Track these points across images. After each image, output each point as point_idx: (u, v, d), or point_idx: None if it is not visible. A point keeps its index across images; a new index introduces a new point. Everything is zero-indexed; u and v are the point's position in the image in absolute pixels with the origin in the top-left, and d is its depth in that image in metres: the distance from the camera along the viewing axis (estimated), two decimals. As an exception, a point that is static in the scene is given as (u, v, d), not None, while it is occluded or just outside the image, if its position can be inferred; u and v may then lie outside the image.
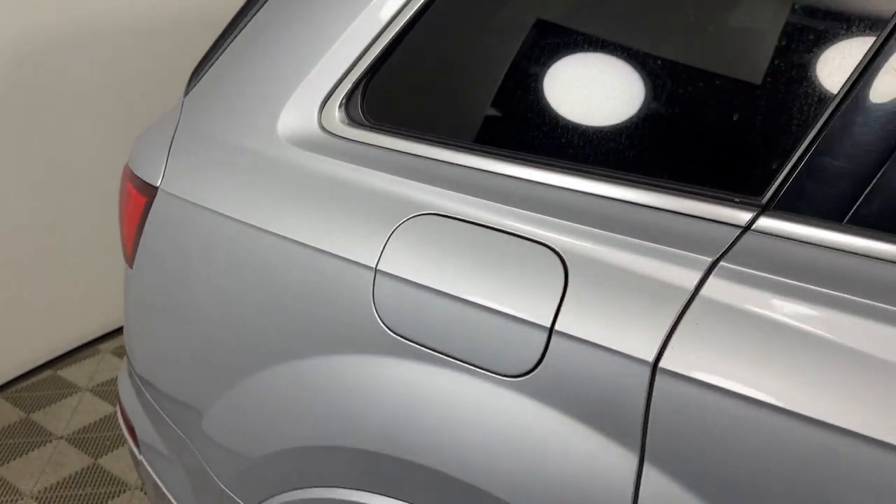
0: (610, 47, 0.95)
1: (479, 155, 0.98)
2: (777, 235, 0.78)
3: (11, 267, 2.72)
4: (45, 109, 2.67)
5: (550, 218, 0.88)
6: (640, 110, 0.91)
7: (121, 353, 2.97)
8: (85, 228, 2.90)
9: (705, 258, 0.78)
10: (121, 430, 2.53)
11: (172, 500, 1.40)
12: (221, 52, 1.24)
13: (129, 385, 1.51)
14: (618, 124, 0.92)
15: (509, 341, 0.86)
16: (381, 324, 0.96)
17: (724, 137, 0.86)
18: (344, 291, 0.99)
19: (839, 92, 0.78)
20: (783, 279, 0.75)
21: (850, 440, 0.68)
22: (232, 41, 1.23)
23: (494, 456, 0.89)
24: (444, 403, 0.92)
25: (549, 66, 0.98)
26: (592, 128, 0.94)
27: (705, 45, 0.91)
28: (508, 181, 0.94)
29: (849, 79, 0.78)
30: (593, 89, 0.95)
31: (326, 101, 1.09)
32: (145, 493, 2.30)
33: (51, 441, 2.54)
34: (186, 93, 1.29)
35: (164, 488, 1.42)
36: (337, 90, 1.08)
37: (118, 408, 1.61)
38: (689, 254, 0.79)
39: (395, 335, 0.95)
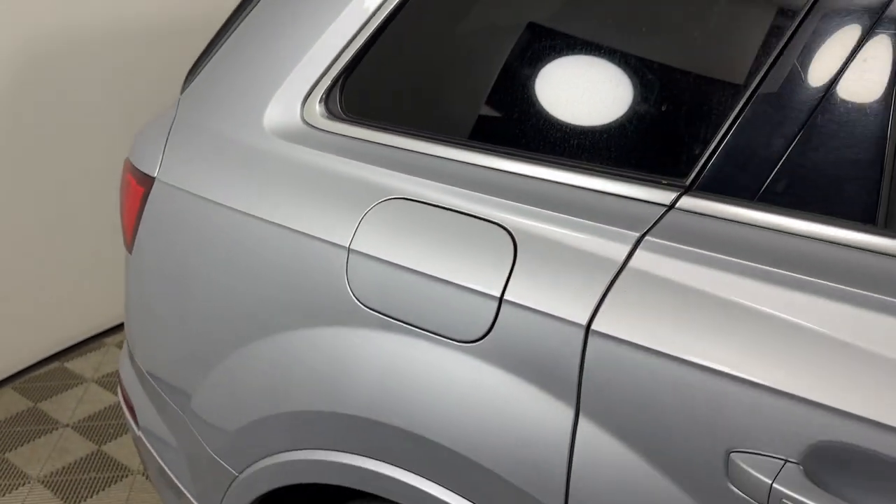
0: (554, 45, 1.05)
1: (442, 144, 1.08)
2: (697, 213, 0.88)
3: (20, 263, 2.78)
4: (52, 112, 2.74)
5: (503, 200, 0.98)
6: (581, 103, 1.01)
7: (125, 346, 3.07)
8: (90, 227, 2.97)
9: (633, 233, 0.88)
10: (124, 418, 2.63)
11: (168, 471, 1.50)
12: (215, 53, 1.34)
13: (128, 365, 1.61)
14: (561, 116, 1.02)
15: (465, 310, 0.96)
16: (354, 298, 1.06)
17: (652, 127, 0.96)
18: (320, 269, 1.09)
19: (752, 84, 0.88)
20: (701, 251, 0.84)
21: (752, 389, 0.77)
22: (224, 42, 1.33)
23: (453, 415, 0.98)
24: (410, 368, 1.02)
25: (499, 64, 1.08)
26: (540, 119, 1.03)
27: (639, 43, 1.00)
28: (467, 168, 1.04)
29: (761, 71, 0.88)
30: (542, 85, 1.04)
31: (308, 97, 1.19)
32: (147, 478, 2.41)
33: (57, 429, 2.63)
34: (183, 90, 1.39)
35: (160, 460, 1.52)
36: (317, 87, 1.18)
37: (119, 387, 1.72)
38: (620, 230, 0.89)
39: (366, 308, 1.05)
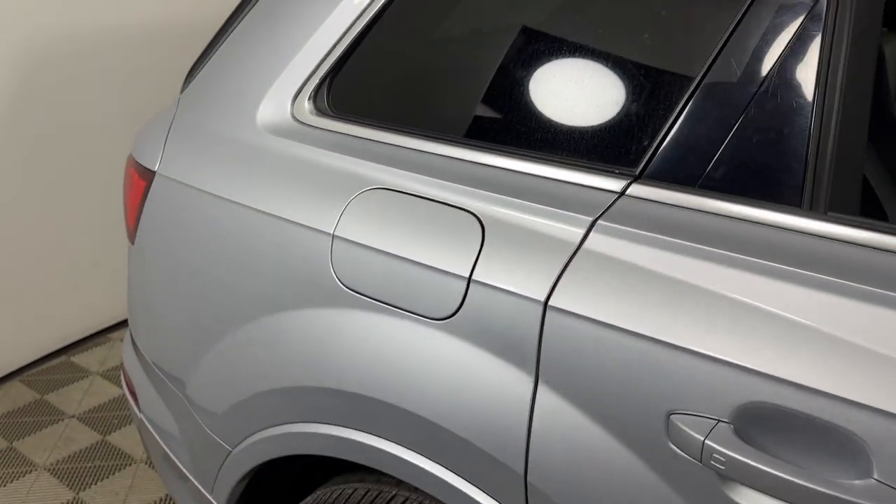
0: (524, 47, 1.14)
1: (419, 139, 1.17)
2: (645, 199, 0.97)
3: (27, 261, 2.87)
4: (58, 113, 2.82)
5: (472, 189, 1.07)
6: (542, 100, 1.10)
7: (129, 341, 3.16)
8: (97, 227, 3.05)
9: (587, 218, 0.97)
10: (128, 409, 2.72)
11: (168, 451, 1.59)
12: (212, 55, 1.44)
13: (131, 351, 1.70)
14: (525, 111, 1.11)
15: (437, 290, 1.04)
16: (337, 280, 1.14)
17: (606, 121, 1.04)
18: (307, 254, 1.17)
19: (695, 80, 0.97)
20: (648, 233, 0.93)
21: (689, 357, 0.85)
22: (221, 45, 1.42)
23: (428, 386, 1.07)
24: (388, 344, 1.10)
25: (469, 65, 1.17)
26: (506, 114, 1.12)
27: (598, 43, 1.09)
28: (441, 159, 1.13)
29: (703, 68, 0.97)
30: (507, 84, 1.13)
31: (297, 95, 1.28)
32: (150, 466, 2.49)
33: (63, 419, 2.72)
34: (182, 90, 1.49)
35: (160, 441, 1.60)
36: (306, 85, 1.27)
37: (122, 373, 1.80)
38: (576, 214, 0.97)
39: (348, 290, 1.14)
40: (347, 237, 1.13)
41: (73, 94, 2.88)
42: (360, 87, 1.27)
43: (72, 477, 2.45)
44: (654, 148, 0.98)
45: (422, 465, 1.10)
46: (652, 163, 0.97)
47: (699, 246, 0.89)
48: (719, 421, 0.84)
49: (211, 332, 1.33)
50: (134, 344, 1.67)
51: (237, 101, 1.34)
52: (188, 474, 1.54)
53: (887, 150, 1.38)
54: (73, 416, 2.73)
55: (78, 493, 2.38)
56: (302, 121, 1.27)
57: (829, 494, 0.77)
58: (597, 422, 0.92)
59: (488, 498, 1.04)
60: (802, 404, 0.79)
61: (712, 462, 0.83)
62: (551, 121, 1.08)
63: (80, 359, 3.07)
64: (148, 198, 1.43)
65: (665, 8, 1.06)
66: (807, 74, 0.91)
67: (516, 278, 0.98)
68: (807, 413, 0.79)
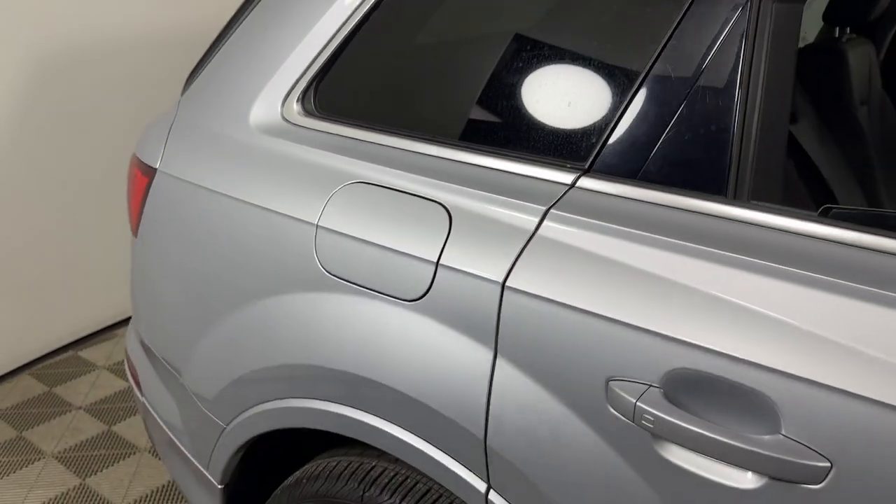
0: (482, 49, 1.25)
1: (395, 136, 1.28)
2: (592, 190, 1.07)
3: (37, 258, 2.98)
4: (66, 115, 2.94)
5: (441, 182, 1.17)
6: (502, 101, 1.20)
7: (135, 337, 3.26)
8: (103, 226, 3.17)
9: (541, 207, 1.07)
10: (133, 402, 2.82)
11: (168, 432, 1.70)
12: (211, 59, 1.55)
13: (133, 339, 1.81)
14: (488, 111, 1.22)
15: (409, 273, 1.15)
16: (321, 266, 1.25)
17: (559, 119, 1.15)
18: (294, 243, 1.28)
19: (637, 79, 1.08)
20: (595, 221, 1.03)
21: (625, 328, 0.96)
22: (219, 50, 1.54)
23: (401, 361, 1.17)
24: (366, 324, 1.21)
25: (438, 68, 1.28)
26: (472, 113, 1.23)
27: (556, 45, 1.20)
28: (414, 155, 1.24)
29: (645, 68, 1.07)
30: (473, 85, 1.24)
31: (287, 97, 1.39)
32: (154, 455, 2.60)
33: (70, 411, 2.83)
34: (183, 92, 1.60)
35: (161, 423, 1.71)
36: (295, 88, 1.39)
37: (125, 360, 1.91)
38: (531, 204, 1.08)
39: (331, 275, 1.24)
40: (330, 227, 1.24)
41: (83, 99, 2.99)
42: (343, 90, 1.38)
43: (78, 464, 2.55)
44: (600, 144, 1.08)
45: (397, 434, 1.20)
46: (599, 158, 1.08)
47: (638, 232, 1.00)
48: (650, 386, 0.94)
49: (206, 317, 1.44)
50: (137, 332, 1.78)
51: (232, 102, 1.45)
52: (187, 453, 1.64)
53: (850, 150, 1.49)
54: (80, 408, 2.84)
55: (84, 480, 2.48)
56: (290, 121, 1.38)
57: (742, 448, 0.88)
58: (547, 390, 1.03)
59: (455, 462, 1.15)
60: (720, 369, 0.90)
61: (643, 422, 0.93)
62: (511, 119, 1.19)
63: (88, 353, 3.18)
64: (149, 193, 1.55)
65: (608, 13, 1.17)
66: (732, 75, 1.01)
67: (478, 262, 1.08)
68: (724, 377, 0.90)
